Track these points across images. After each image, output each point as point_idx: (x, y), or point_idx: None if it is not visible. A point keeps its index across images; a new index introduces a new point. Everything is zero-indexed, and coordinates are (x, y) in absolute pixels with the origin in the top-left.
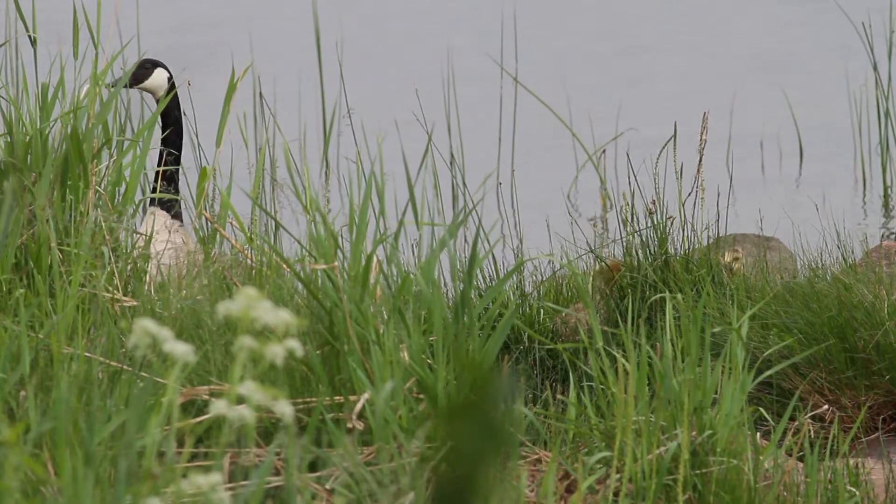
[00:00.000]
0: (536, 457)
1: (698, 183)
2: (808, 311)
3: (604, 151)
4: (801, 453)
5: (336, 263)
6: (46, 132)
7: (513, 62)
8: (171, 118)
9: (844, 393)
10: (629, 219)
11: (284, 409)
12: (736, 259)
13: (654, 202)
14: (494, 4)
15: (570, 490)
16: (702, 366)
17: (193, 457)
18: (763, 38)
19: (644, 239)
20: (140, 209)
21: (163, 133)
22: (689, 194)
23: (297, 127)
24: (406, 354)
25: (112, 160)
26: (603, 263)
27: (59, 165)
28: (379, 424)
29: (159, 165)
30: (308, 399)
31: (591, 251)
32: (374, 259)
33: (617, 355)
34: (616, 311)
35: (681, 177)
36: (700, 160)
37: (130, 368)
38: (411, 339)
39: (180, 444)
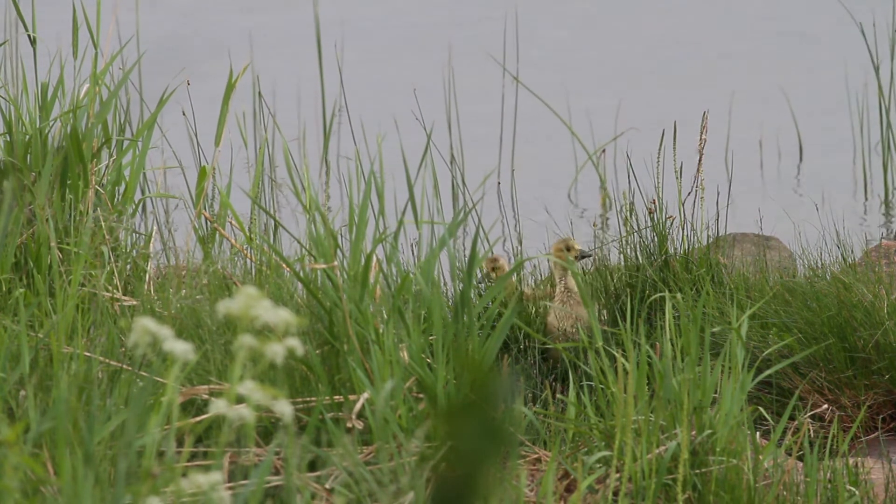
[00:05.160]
0: (536, 456)
1: (698, 182)
2: (807, 311)
3: (604, 151)
4: (800, 453)
5: (336, 263)
6: (46, 132)
7: (513, 61)
8: None
9: (844, 392)
10: (629, 218)
11: (284, 408)
12: (494, 269)
13: (653, 202)
14: (495, 3)
15: (569, 490)
16: (701, 365)
17: (193, 456)
18: (763, 38)
19: (644, 238)
20: (139, 208)
21: None
22: (689, 194)
23: (296, 126)
24: (406, 354)
25: (112, 160)
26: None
27: (58, 165)
28: (379, 424)
29: None
30: (308, 398)
31: (589, 251)
32: (374, 258)
33: (616, 355)
34: (615, 311)
35: (680, 176)
36: (700, 160)
37: (130, 368)
38: (411, 339)
39: (180, 443)
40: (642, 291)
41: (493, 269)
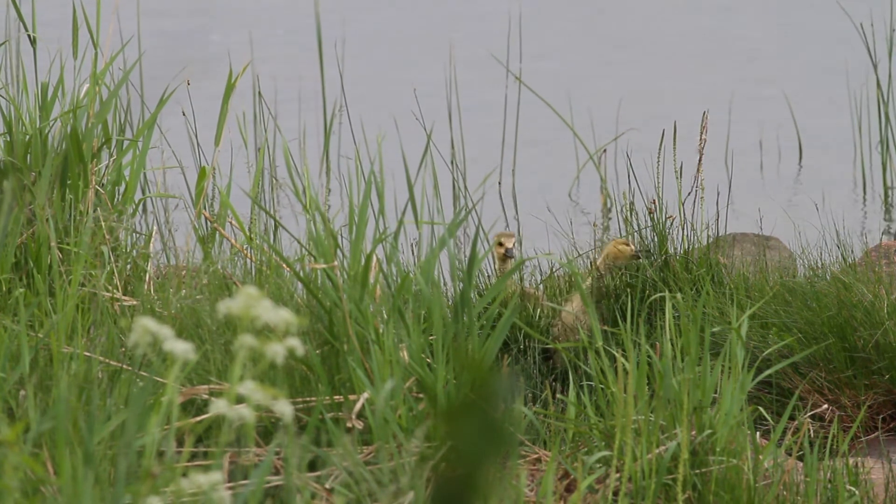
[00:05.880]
0: (536, 456)
1: (698, 182)
2: (807, 311)
3: (604, 151)
4: (800, 453)
5: (336, 263)
6: (46, 131)
7: (515, 61)
8: None
9: (844, 392)
10: (629, 218)
11: (284, 408)
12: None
13: (654, 202)
14: (497, 4)
15: (569, 489)
16: (701, 365)
17: (193, 456)
18: (763, 38)
19: (644, 238)
20: (139, 208)
21: None
22: (689, 194)
23: (296, 126)
24: (406, 354)
25: (112, 160)
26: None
27: (58, 165)
28: (378, 424)
29: None
30: (308, 398)
31: (589, 252)
32: (374, 258)
33: (616, 355)
34: (615, 311)
35: (680, 176)
36: (700, 160)
37: (130, 368)
38: (411, 339)
39: (180, 443)
40: (642, 291)
41: (499, 245)
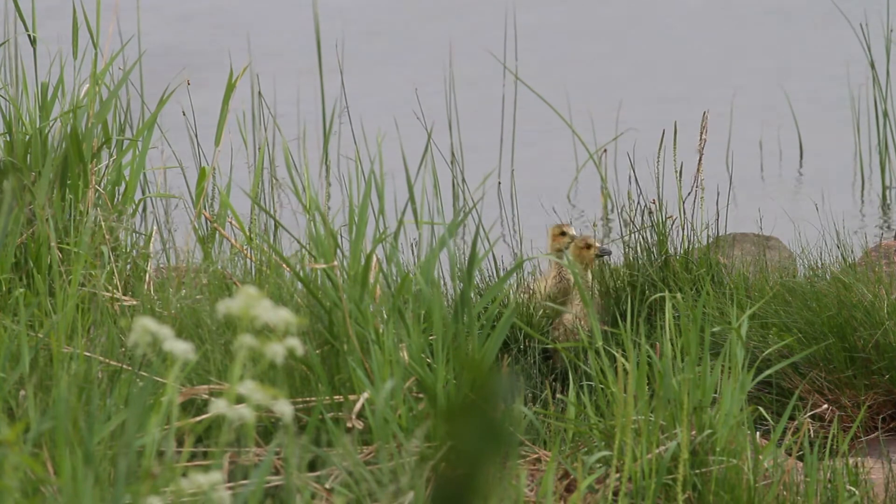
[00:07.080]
0: (536, 456)
1: (698, 182)
2: (807, 311)
3: (604, 151)
4: (800, 453)
5: (336, 263)
6: (46, 131)
7: (513, 61)
8: None
9: (844, 392)
10: (629, 218)
11: (284, 408)
12: (563, 234)
13: (654, 202)
14: (495, 3)
15: (569, 489)
16: (701, 365)
17: (193, 456)
18: (762, 38)
19: (644, 238)
20: (139, 208)
21: None
22: (689, 194)
23: (296, 126)
24: (405, 354)
25: (112, 160)
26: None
27: (58, 165)
28: (378, 424)
29: None
30: (308, 398)
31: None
32: (374, 258)
33: (616, 355)
34: (615, 311)
35: (681, 176)
36: (700, 160)
37: (130, 368)
38: (411, 339)
39: (180, 443)
40: (642, 291)
41: (563, 234)
